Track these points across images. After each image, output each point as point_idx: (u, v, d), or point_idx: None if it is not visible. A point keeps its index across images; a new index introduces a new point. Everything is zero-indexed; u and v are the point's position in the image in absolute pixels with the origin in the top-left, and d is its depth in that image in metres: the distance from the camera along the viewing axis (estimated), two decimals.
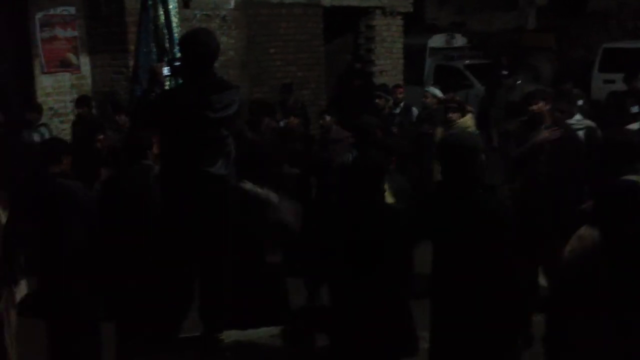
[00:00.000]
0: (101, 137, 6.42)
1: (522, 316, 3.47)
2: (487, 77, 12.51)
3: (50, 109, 8.96)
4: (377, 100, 8.86)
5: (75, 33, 9.20)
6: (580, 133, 6.43)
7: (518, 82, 10.46)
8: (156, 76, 3.94)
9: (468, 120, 7.18)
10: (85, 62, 9.34)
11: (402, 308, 3.77)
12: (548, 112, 5.95)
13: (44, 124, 8.15)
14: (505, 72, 10.89)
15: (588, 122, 6.81)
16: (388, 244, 3.64)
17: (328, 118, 7.42)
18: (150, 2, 6.23)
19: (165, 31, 6.18)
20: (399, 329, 3.72)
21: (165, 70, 4.00)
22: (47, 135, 7.71)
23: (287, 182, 7.27)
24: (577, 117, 6.76)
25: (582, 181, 5.74)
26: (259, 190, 4.53)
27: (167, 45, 6.15)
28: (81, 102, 8.34)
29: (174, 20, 6.26)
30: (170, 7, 6.26)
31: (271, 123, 7.76)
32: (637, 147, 4.38)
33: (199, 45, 3.74)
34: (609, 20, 18.02)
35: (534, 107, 5.87)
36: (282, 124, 8.49)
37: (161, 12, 6.19)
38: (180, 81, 4.23)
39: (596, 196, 3.40)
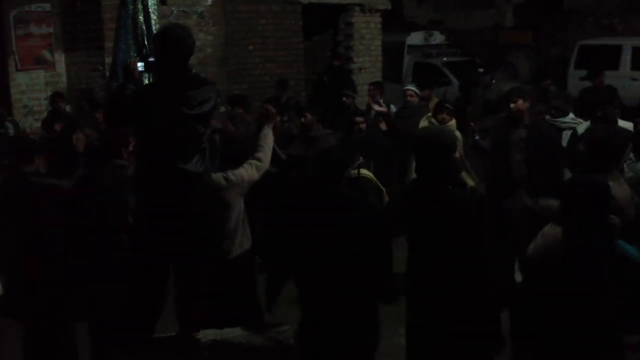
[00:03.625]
0: (78, 134, 6.34)
1: (494, 312, 3.47)
2: (462, 76, 12.60)
3: (25, 106, 8.86)
4: (344, 99, 8.88)
5: (50, 30, 9.10)
6: (581, 129, 6.48)
7: (494, 81, 10.54)
8: (130, 72, 3.89)
9: (454, 125, 7.24)
10: (60, 59, 9.24)
11: (372, 305, 3.76)
12: (527, 110, 5.98)
13: (11, 120, 8.02)
14: (481, 70, 10.94)
15: (580, 120, 6.85)
16: (352, 238, 3.62)
17: (309, 116, 7.39)
18: None
19: (144, 27, 6.13)
20: (367, 326, 3.72)
21: (140, 66, 3.95)
22: (11, 131, 7.57)
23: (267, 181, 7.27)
24: (572, 115, 6.81)
25: (559, 178, 5.79)
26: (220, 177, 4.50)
27: (146, 41, 6.10)
28: (56, 98, 8.22)
29: (153, 17, 6.22)
30: (149, 3, 6.21)
31: (245, 116, 7.77)
32: (614, 146, 4.42)
33: (174, 41, 3.70)
34: (585, 18, 18.20)
35: (514, 105, 5.91)
36: None
37: (140, 7, 6.14)
38: (155, 77, 4.20)
39: (561, 192, 3.44)
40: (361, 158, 5.65)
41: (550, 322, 3.19)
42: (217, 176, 4.49)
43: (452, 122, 7.19)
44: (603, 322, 3.09)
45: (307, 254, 3.69)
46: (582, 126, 6.55)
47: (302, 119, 7.35)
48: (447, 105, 7.46)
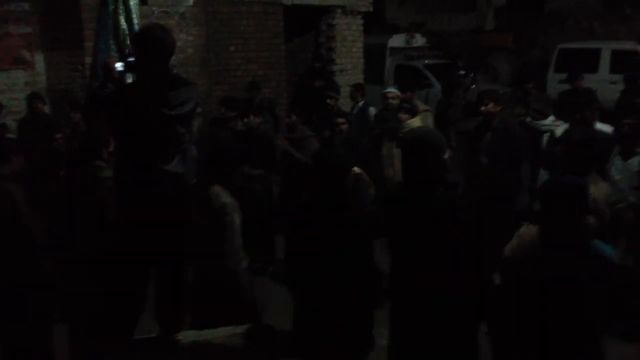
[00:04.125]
0: (59, 135, 6.28)
1: (482, 312, 3.49)
2: (445, 78, 12.66)
3: (4, 106, 8.76)
4: (328, 101, 8.91)
5: (30, 29, 9.02)
6: (559, 131, 6.55)
7: (474, 85, 10.60)
8: (109, 71, 3.87)
9: (417, 121, 7.23)
10: (39, 59, 9.16)
11: (363, 310, 3.75)
12: (498, 114, 6.06)
13: (2, 124, 7.94)
14: (462, 72, 11.01)
15: (560, 122, 6.93)
16: (350, 245, 3.62)
17: (294, 117, 7.39)
18: None
19: (126, 27, 6.10)
20: (357, 332, 3.71)
21: (119, 66, 3.92)
22: None
23: (249, 183, 7.26)
24: (551, 118, 6.88)
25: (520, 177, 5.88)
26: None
27: (127, 41, 6.07)
28: (34, 98, 8.13)
29: (135, 16, 6.19)
30: (131, 3, 6.18)
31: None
32: (592, 148, 4.47)
33: (153, 41, 3.69)
34: (565, 21, 18.37)
35: (484, 108, 5.97)
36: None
37: (122, 7, 6.11)
38: (135, 77, 4.17)
39: (539, 193, 3.46)
40: None
41: (528, 322, 3.21)
42: (218, 189, 4.39)
43: (412, 121, 7.18)
44: (581, 321, 3.12)
45: (305, 259, 3.68)
46: (560, 129, 6.62)
47: (287, 119, 7.37)
48: (405, 104, 7.51)
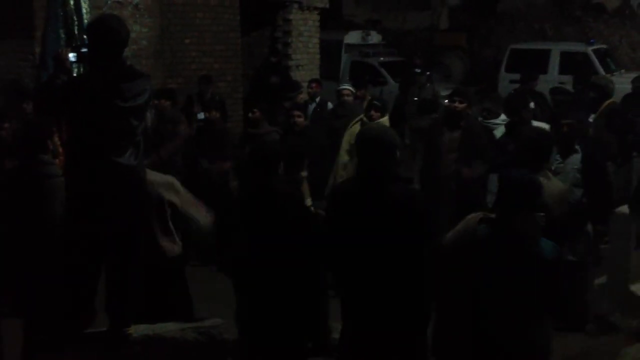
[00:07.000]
0: (6, 125, 6.13)
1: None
2: (402, 75, 12.80)
3: None
4: (300, 96, 8.91)
5: None
6: (498, 133, 6.68)
7: (428, 84, 10.73)
8: (61, 62, 3.81)
9: (386, 121, 7.28)
10: None
11: (313, 300, 3.78)
12: (464, 112, 6.19)
13: None
14: (418, 70, 11.14)
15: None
16: (293, 234, 3.65)
17: (257, 112, 7.34)
18: None
19: (75, 17, 6.02)
20: (304, 322, 3.74)
21: (72, 57, 3.87)
22: None
23: (206, 178, 7.24)
24: (503, 116, 7.01)
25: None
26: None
27: (76, 31, 6.00)
28: None
29: (84, 5, 6.12)
30: None
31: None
32: (545, 146, 4.58)
33: (107, 32, 3.65)
34: (517, 22, 18.72)
35: (454, 105, 6.08)
36: (200, 116, 8.43)
37: None
38: (88, 68, 4.11)
39: (499, 184, 3.56)
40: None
41: (464, 304, 3.29)
42: (169, 177, 4.36)
43: (383, 120, 7.22)
44: (516, 310, 3.19)
45: (249, 250, 3.70)
46: (499, 130, 6.75)
47: (250, 115, 7.33)
48: (376, 102, 7.52)
